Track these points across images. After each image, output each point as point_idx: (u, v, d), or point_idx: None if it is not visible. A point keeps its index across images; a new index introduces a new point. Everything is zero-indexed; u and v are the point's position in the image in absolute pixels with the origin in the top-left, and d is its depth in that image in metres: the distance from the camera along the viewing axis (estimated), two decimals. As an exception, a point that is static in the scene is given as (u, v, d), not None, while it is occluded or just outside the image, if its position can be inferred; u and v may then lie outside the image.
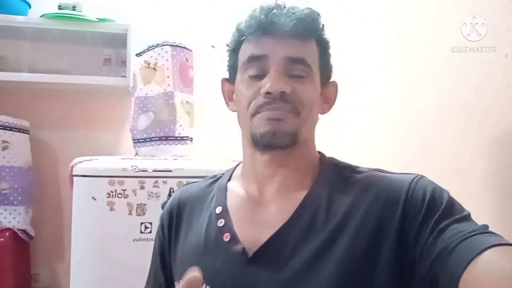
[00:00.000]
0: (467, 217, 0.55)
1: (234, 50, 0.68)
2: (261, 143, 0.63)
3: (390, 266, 0.55)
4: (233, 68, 0.69)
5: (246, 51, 0.65)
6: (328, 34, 0.69)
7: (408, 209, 0.57)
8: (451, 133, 1.72)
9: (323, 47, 0.67)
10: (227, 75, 0.72)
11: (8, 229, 1.36)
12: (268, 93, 0.61)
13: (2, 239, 1.33)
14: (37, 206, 1.50)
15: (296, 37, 0.63)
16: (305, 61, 0.63)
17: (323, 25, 0.67)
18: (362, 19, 1.73)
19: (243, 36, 0.66)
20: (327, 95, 0.70)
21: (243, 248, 0.61)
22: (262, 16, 0.63)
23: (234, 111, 0.70)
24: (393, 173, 0.65)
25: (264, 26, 0.63)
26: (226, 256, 0.62)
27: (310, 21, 0.64)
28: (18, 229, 1.39)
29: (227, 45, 0.70)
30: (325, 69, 0.68)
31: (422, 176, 0.61)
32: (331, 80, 0.71)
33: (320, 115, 0.70)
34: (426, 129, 1.75)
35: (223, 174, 0.76)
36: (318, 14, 0.67)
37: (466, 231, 0.51)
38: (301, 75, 0.63)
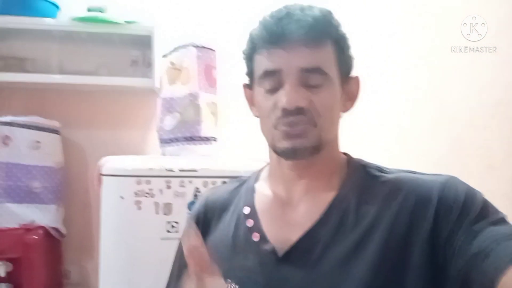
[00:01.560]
0: (502, 220, 0.54)
1: (249, 58, 0.68)
2: (283, 157, 0.64)
3: (421, 267, 0.55)
4: (250, 76, 0.69)
5: (260, 64, 0.64)
6: (346, 29, 0.66)
7: (440, 210, 0.56)
8: (483, 130, 1.66)
9: (340, 45, 0.65)
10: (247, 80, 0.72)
11: (41, 227, 1.40)
12: (284, 108, 0.60)
13: (35, 237, 1.36)
14: (67, 205, 1.54)
15: (309, 45, 0.61)
16: (321, 69, 0.61)
17: (337, 22, 0.65)
18: (385, 14, 1.70)
19: (256, 46, 0.65)
20: (349, 92, 0.68)
21: (273, 247, 0.62)
22: (273, 26, 0.61)
23: (257, 116, 0.70)
24: (423, 174, 0.64)
25: (275, 37, 0.61)
26: (256, 256, 0.63)
27: (322, 25, 0.62)
28: (50, 227, 1.43)
29: (243, 53, 0.70)
30: (345, 66, 0.66)
31: (454, 177, 0.60)
32: (353, 74, 0.68)
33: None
34: (456, 126, 1.70)
35: (249, 176, 0.76)
36: (331, 13, 0.64)
37: (502, 235, 0.50)
38: (317, 84, 0.62)
